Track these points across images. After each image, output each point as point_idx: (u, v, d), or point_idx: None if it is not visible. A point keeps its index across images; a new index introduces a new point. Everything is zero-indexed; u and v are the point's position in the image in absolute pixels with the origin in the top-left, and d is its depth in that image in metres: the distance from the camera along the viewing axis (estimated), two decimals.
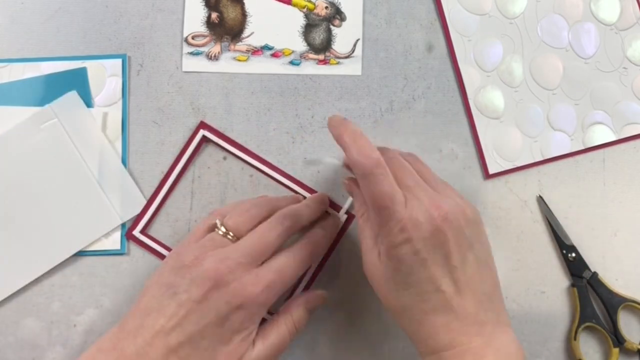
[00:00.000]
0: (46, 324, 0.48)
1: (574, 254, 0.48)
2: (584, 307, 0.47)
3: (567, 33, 0.51)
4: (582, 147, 0.50)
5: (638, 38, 0.51)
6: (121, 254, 0.48)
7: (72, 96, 0.49)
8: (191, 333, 0.38)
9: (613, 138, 0.50)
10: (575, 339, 0.47)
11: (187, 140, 0.49)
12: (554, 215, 0.49)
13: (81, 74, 0.50)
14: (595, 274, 0.48)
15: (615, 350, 0.47)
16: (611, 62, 0.51)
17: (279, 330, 0.42)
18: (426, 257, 0.37)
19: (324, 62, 0.50)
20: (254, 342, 0.41)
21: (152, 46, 0.50)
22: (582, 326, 0.47)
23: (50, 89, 0.49)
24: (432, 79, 0.51)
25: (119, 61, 0.50)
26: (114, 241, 0.48)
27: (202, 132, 0.49)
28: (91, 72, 0.50)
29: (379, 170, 0.37)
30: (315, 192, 0.49)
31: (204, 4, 0.51)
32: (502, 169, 0.50)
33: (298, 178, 0.49)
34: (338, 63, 0.50)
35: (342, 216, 0.48)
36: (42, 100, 0.49)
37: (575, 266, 0.48)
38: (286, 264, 0.41)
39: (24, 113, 0.48)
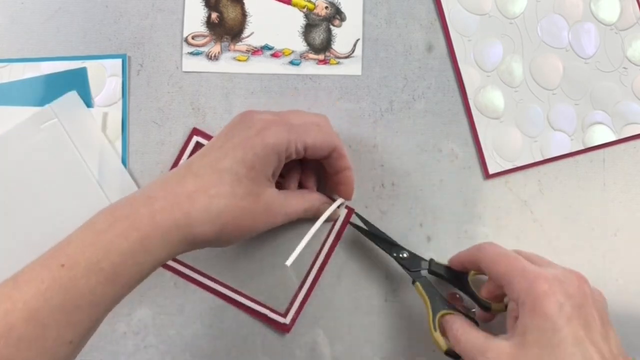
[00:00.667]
0: None
1: (405, 254, 0.46)
2: (432, 298, 0.44)
3: (567, 33, 0.51)
4: (582, 147, 0.50)
5: (638, 38, 0.51)
6: None
7: (72, 96, 0.49)
8: (213, 157, 0.40)
9: (613, 138, 0.50)
10: (435, 329, 0.43)
11: (181, 148, 0.49)
12: (372, 225, 0.47)
13: (81, 74, 0.50)
14: (432, 261, 0.46)
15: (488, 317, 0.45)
16: (611, 62, 0.51)
17: (305, 201, 0.45)
18: (571, 314, 0.35)
19: (324, 62, 0.50)
20: (291, 193, 0.44)
21: (152, 46, 0.50)
22: (438, 315, 0.43)
23: (50, 89, 0.49)
24: (432, 79, 0.51)
25: (119, 61, 0.50)
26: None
27: (195, 139, 0.49)
28: (91, 72, 0.50)
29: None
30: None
31: (204, 4, 0.51)
32: (502, 169, 0.50)
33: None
34: (338, 63, 0.50)
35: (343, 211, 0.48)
36: (42, 100, 0.49)
37: (411, 262, 0.46)
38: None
39: (24, 113, 0.48)
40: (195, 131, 0.49)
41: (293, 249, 0.44)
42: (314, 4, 0.51)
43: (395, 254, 0.47)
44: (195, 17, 0.50)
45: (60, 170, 0.48)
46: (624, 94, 0.51)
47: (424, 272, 0.46)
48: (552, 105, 0.50)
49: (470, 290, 0.45)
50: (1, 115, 0.48)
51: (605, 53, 0.51)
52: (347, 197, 0.47)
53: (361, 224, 0.47)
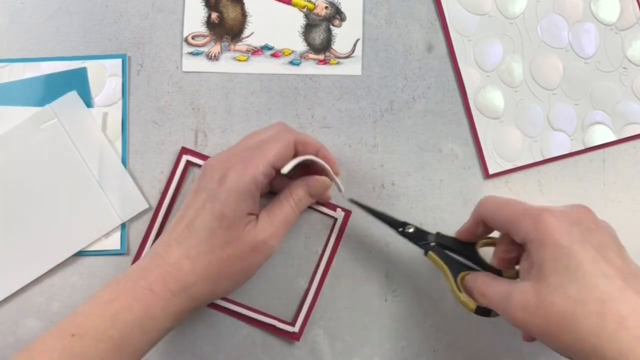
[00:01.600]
0: (46, 324, 0.48)
1: (411, 229, 0.46)
2: (450, 262, 0.44)
3: (567, 33, 0.51)
4: (582, 147, 0.50)
5: (638, 38, 0.51)
6: (121, 254, 0.48)
7: (72, 96, 0.49)
8: (188, 218, 0.42)
9: (613, 138, 0.50)
10: (460, 290, 0.43)
11: (172, 168, 0.49)
12: (371, 208, 0.47)
13: (81, 74, 0.50)
14: (438, 234, 0.46)
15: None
16: (611, 62, 0.51)
17: (281, 205, 0.44)
18: (581, 238, 0.36)
19: (324, 62, 0.50)
20: (257, 217, 0.43)
21: (152, 46, 0.50)
22: (459, 277, 0.43)
23: (50, 89, 0.49)
24: (432, 79, 0.51)
25: (119, 61, 0.50)
26: (114, 241, 0.48)
27: (185, 158, 0.49)
28: (91, 72, 0.50)
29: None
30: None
31: (204, 4, 0.51)
32: (502, 169, 0.50)
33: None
34: (338, 63, 0.50)
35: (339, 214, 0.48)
36: (42, 100, 0.49)
37: (417, 237, 0.46)
38: (265, 139, 0.43)
39: (24, 113, 0.48)
40: (184, 150, 0.49)
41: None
42: (314, 4, 0.51)
43: (400, 229, 0.46)
44: (195, 17, 0.50)
45: (60, 170, 0.48)
46: (624, 94, 0.51)
47: (433, 244, 0.46)
48: (552, 105, 0.50)
49: (480, 259, 0.44)
50: (1, 115, 0.48)
51: (605, 53, 0.51)
52: (335, 173, 0.46)
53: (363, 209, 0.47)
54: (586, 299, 0.35)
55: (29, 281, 0.48)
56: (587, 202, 0.49)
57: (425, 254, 0.45)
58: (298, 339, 0.48)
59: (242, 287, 0.45)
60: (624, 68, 0.51)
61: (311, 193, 0.46)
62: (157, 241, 0.43)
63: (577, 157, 0.50)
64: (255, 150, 0.42)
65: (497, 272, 0.43)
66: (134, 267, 0.41)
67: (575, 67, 0.51)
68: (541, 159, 0.50)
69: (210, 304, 0.48)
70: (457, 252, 0.45)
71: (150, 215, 0.49)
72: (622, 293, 0.35)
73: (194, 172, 0.49)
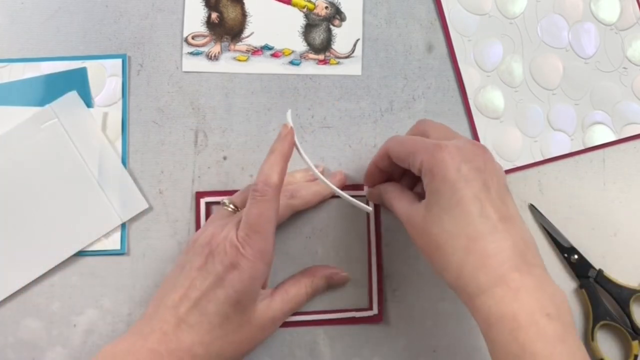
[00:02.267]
0: (46, 324, 0.48)
1: (576, 256, 0.48)
2: (596, 306, 0.47)
3: (567, 33, 0.51)
4: (582, 147, 0.50)
5: (638, 38, 0.51)
6: (121, 254, 0.48)
7: (72, 96, 0.49)
8: (196, 299, 0.40)
9: (613, 138, 0.50)
10: (593, 339, 0.47)
11: (196, 216, 0.48)
12: (548, 221, 0.49)
13: (81, 74, 0.50)
14: (600, 272, 0.48)
15: (635, 344, 0.47)
16: (611, 62, 0.51)
17: (299, 288, 0.45)
18: (468, 176, 0.37)
19: (324, 62, 0.50)
20: (273, 295, 0.43)
21: (152, 46, 0.50)
22: (598, 325, 0.47)
23: (50, 89, 0.49)
24: (432, 79, 0.51)
25: (119, 61, 0.50)
26: (114, 241, 0.48)
27: (204, 201, 0.48)
28: (91, 72, 0.50)
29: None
30: None
31: (204, 4, 0.51)
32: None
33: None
34: (338, 63, 0.50)
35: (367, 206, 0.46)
36: (42, 100, 0.49)
37: (579, 267, 0.48)
38: (265, 218, 0.41)
39: (24, 113, 0.48)
40: (200, 194, 0.48)
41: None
42: (314, 4, 0.51)
43: (565, 255, 0.49)
44: (195, 17, 0.50)
45: (60, 170, 0.48)
46: (624, 94, 0.51)
47: (591, 281, 0.48)
48: (552, 105, 0.50)
49: (629, 312, 0.47)
50: (1, 115, 0.48)
51: (605, 53, 0.51)
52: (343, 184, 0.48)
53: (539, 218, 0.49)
54: (458, 233, 0.37)
55: (29, 281, 0.48)
56: (587, 202, 0.50)
57: (580, 287, 0.48)
58: (381, 320, 0.48)
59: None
60: (624, 68, 0.51)
61: (330, 285, 0.47)
62: (157, 317, 0.40)
63: (577, 157, 0.50)
64: (261, 229, 0.40)
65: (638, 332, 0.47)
66: (138, 344, 0.39)
67: (575, 67, 0.51)
68: (541, 159, 0.50)
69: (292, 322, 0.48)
70: (613, 296, 0.48)
71: (150, 215, 0.49)
72: (493, 233, 0.36)
73: (208, 149, 0.49)
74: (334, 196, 0.49)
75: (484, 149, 0.40)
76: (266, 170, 0.40)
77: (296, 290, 0.45)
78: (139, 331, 0.40)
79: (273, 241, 0.41)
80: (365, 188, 0.48)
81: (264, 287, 0.43)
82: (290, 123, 0.41)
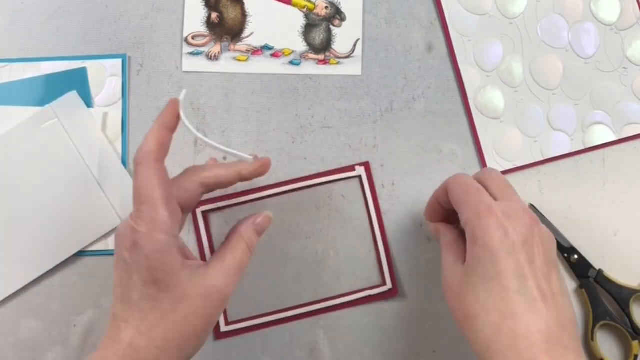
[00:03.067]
0: (46, 324, 0.48)
1: (575, 256, 0.48)
2: (596, 306, 0.47)
3: (567, 33, 0.51)
4: (582, 147, 0.50)
5: (638, 38, 0.51)
6: None
7: (72, 96, 0.49)
8: (121, 293, 0.38)
9: (613, 138, 0.50)
10: (592, 339, 0.47)
11: (195, 230, 0.48)
12: (548, 221, 0.49)
13: (81, 74, 0.50)
14: (600, 272, 0.48)
15: (635, 343, 0.47)
16: (611, 62, 0.51)
17: (234, 251, 0.41)
18: (513, 248, 0.36)
19: (324, 62, 0.50)
20: (208, 265, 0.39)
21: (152, 46, 0.50)
22: (598, 325, 0.47)
23: (50, 89, 0.49)
24: (432, 79, 0.51)
25: (119, 61, 0.50)
26: (113, 241, 0.48)
27: (199, 211, 0.48)
28: (91, 72, 0.50)
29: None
30: None
31: (204, 4, 0.51)
32: (502, 169, 0.50)
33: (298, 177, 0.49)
34: (338, 63, 0.50)
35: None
36: (42, 100, 0.49)
37: (579, 267, 0.48)
38: (148, 186, 0.38)
39: (24, 113, 0.48)
40: (202, 203, 0.48)
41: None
42: (314, 4, 0.51)
43: (565, 255, 0.49)
44: (195, 17, 0.50)
45: (60, 170, 0.48)
46: (624, 94, 0.51)
47: (591, 281, 0.48)
48: (552, 105, 0.50)
49: (629, 312, 0.47)
50: (1, 115, 0.48)
51: (605, 53, 0.51)
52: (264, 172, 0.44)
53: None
54: (491, 308, 0.35)
55: (28, 281, 0.48)
56: (587, 202, 0.50)
57: (580, 287, 0.48)
58: (397, 294, 0.48)
59: (323, 283, 0.47)
60: (624, 68, 0.51)
61: (259, 230, 0.43)
62: (108, 327, 0.39)
63: (577, 157, 0.50)
64: (146, 199, 0.37)
65: (638, 332, 0.47)
66: (97, 354, 0.38)
67: (575, 67, 0.51)
68: (541, 159, 0.50)
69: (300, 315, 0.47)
70: (613, 296, 0.48)
71: None
72: (527, 312, 0.35)
73: (207, 150, 0.49)
74: (326, 182, 0.49)
75: (535, 220, 0.38)
76: (144, 140, 0.39)
77: (232, 253, 0.41)
78: (100, 346, 0.39)
79: (166, 207, 0.38)
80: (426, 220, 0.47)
81: (189, 257, 0.40)
82: (180, 98, 0.40)
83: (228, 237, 0.42)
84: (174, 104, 0.40)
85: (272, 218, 0.44)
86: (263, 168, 0.42)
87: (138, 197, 0.37)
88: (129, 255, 0.37)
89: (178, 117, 0.40)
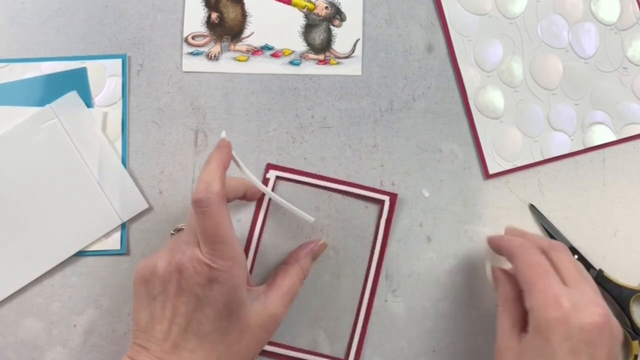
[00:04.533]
0: (46, 324, 0.48)
1: (575, 256, 0.48)
2: None
3: (567, 33, 0.51)
4: (582, 147, 0.50)
5: (638, 38, 0.51)
6: (121, 254, 0.48)
7: (72, 96, 0.49)
8: (186, 324, 0.39)
9: (613, 138, 0.50)
10: None
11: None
12: (548, 221, 0.49)
13: (81, 74, 0.50)
14: (600, 272, 0.48)
15: (635, 343, 0.47)
16: (611, 62, 0.51)
17: (291, 278, 0.44)
18: (575, 348, 0.35)
19: (324, 62, 0.50)
20: (267, 293, 0.42)
21: (152, 46, 0.50)
22: None
23: (50, 89, 0.49)
24: (432, 79, 0.51)
25: (119, 61, 0.50)
26: (114, 241, 0.48)
27: (274, 174, 0.49)
28: (91, 72, 0.50)
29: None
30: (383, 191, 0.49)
31: (204, 4, 0.51)
32: (502, 169, 0.50)
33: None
34: (338, 63, 0.50)
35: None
36: (42, 100, 0.49)
37: None
38: (223, 226, 0.39)
39: (24, 113, 0.48)
40: (270, 166, 0.49)
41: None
42: (314, 4, 0.51)
43: None
44: (195, 17, 0.50)
45: (60, 170, 0.48)
46: (624, 94, 0.51)
47: None
48: (552, 105, 0.50)
49: (630, 312, 0.47)
50: (1, 115, 0.49)
51: (605, 53, 0.51)
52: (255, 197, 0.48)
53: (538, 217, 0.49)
54: None
55: (29, 281, 0.48)
56: (587, 202, 0.50)
57: None
58: None
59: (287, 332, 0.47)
60: (624, 68, 0.51)
61: (314, 257, 0.47)
62: (152, 348, 0.39)
63: (577, 157, 0.50)
64: (223, 238, 0.38)
65: (637, 331, 0.47)
66: None
67: (575, 67, 0.51)
68: (541, 159, 0.50)
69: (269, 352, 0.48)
70: (613, 296, 0.47)
71: (150, 215, 0.49)
72: None
73: (208, 149, 0.50)
74: (333, 190, 0.49)
75: (607, 316, 0.36)
76: (206, 178, 0.38)
77: (289, 282, 0.44)
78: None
79: (238, 243, 0.39)
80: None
81: (249, 285, 0.42)
82: (227, 138, 0.41)
83: (285, 264, 0.46)
84: (229, 147, 0.41)
85: (327, 245, 0.48)
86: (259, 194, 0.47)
87: (214, 237, 0.38)
88: (203, 291, 0.38)
89: (230, 158, 0.41)
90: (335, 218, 0.49)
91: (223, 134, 0.42)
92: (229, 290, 0.38)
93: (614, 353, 0.36)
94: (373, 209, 0.49)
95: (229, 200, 0.44)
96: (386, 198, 0.48)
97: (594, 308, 0.36)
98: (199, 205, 0.37)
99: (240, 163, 0.42)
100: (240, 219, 0.49)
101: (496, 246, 0.45)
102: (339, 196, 0.49)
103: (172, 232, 0.48)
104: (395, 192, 0.49)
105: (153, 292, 0.39)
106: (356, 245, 0.49)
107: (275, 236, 0.49)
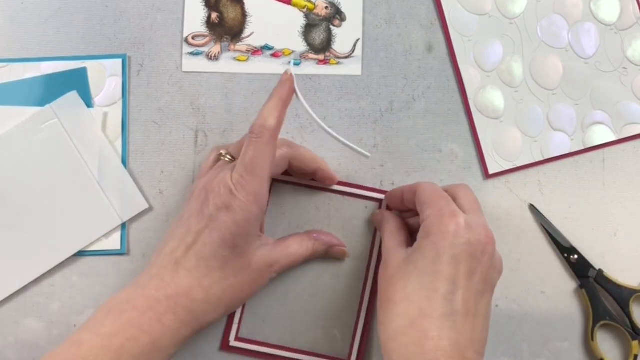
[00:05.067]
0: (46, 324, 0.48)
1: (575, 256, 0.48)
2: (596, 306, 0.47)
3: (567, 33, 0.51)
4: (582, 147, 0.50)
5: (638, 38, 0.51)
6: (121, 254, 0.48)
7: (72, 96, 0.49)
8: (192, 242, 0.40)
9: (613, 138, 0.50)
10: (592, 339, 0.47)
11: None
12: (548, 221, 0.49)
13: (81, 74, 0.50)
14: (600, 271, 0.48)
15: (635, 343, 0.47)
16: (611, 62, 0.51)
17: (300, 247, 0.45)
18: (459, 255, 0.37)
19: (324, 62, 0.50)
20: (275, 245, 0.43)
21: (152, 46, 0.50)
22: (598, 325, 0.47)
23: (50, 89, 0.49)
24: (432, 79, 0.51)
25: (119, 61, 0.50)
26: (114, 241, 0.48)
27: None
28: (91, 72, 0.50)
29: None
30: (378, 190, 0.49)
31: (204, 4, 0.51)
32: (502, 169, 0.50)
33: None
34: (338, 63, 0.50)
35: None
36: (42, 100, 0.49)
37: (579, 267, 0.48)
38: (260, 161, 0.40)
39: (24, 113, 0.48)
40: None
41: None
42: (314, 4, 0.51)
43: (565, 255, 0.49)
44: (195, 17, 0.50)
45: (60, 170, 0.48)
46: (624, 94, 0.51)
47: (591, 281, 0.48)
48: (552, 105, 0.50)
49: (630, 312, 0.47)
50: (1, 115, 0.49)
51: (605, 53, 0.51)
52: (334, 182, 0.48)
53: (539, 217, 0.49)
54: (414, 301, 0.37)
55: (29, 281, 0.48)
56: (587, 202, 0.50)
57: (580, 287, 0.48)
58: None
59: (287, 332, 0.48)
60: (624, 68, 0.51)
61: (328, 252, 0.47)
62: (156, 264, 0.41)
63: (577, 157, 0.50)
64: (255, 171, 0.39)
65: (638, 332, 0.47)
66: (136, 293, 0.39)
67: (575, 67, 0.51)
68: (541, 159, 0.50)
69: (256, 353, 0.48)
70: (612, 295, 0.48)
71: (150, 215, 0.49)
72: (445, 319, 0.36)
73: (208, 149, 0.49)
74: (332, 190, 0.49)
75: (492, 241, 0.39)
76: (264, 114, 0.40)
77: (297, 248, 0.45)
78: (138, 281, 0.40)
79: (267, 185, 0.41)
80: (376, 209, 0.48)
81: (262, 232, 0.43)
82: (291, 70, 0.41)
83: (303, 233, 0.46)
84: (291, 80, 0.41)
85: (346, 255, 0.48)
86: (331, 181, 0.47)
87: (248, 167, 0.39)
88: (217, 213, 0.39)
89: (293, 93, 0.41)
90: (335, 218, 0.49)
91: (289, 68, 0.42)
92: (240, 222, 0.39)
93: (491, 278, 0.39)
94: (373, 208, 0.49)
95: (298, 172, 0.46)
96: (384, 197, 0.49)
97: (484, 230, 0.39)
98: (251, 134, 0.40)
99: (301, 97, 0.42)
100: None
101: (398, 193, 0.46)
102: (339, 196, 0.49)
103: (222, 153, 0.45)
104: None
105: (184, 211, 0.42)
106: (356, 245, 0.49)
107: (275, 236, 0.49)
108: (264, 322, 0.48)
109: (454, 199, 0.41)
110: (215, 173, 0.42)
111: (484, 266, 0.38)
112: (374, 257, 0.48)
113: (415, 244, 0.39)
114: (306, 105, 0.42)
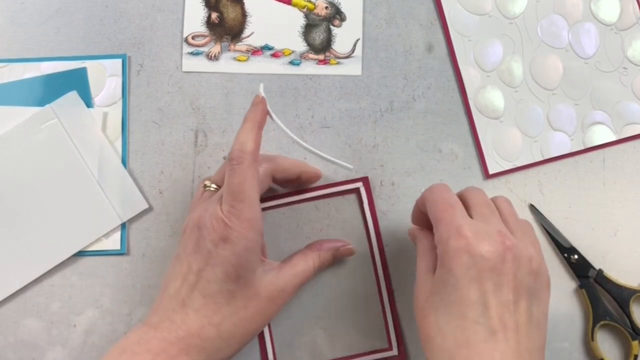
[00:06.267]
0: (46, 324, 0.48)
1: (575, 256, 0.48)
2: (596, 306, 0.47)
3: (567, 33, 0.51)
4: (582, 147, 0.50)
5: (638, 38, 0.51)
6: (121, 254, 0.48)
7: (72, 96, 0.49)
8: (195, 282, 0.39)
9: (613, 138, 0.50)
10: (592, 339, 0.47)
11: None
12: (548, 221, 0.49)
13: (81, 74, 0.50)
14: (600, 271, 0.48)
15: (635, 343, 0.47)
16: (611, 62, 0.51)
17: (307, 262, 0.44)
18: (478, 275, 0.35)
19: (324, 62, 0.50)
20: (280, 268, 0.42)
21: (152, 46, 0.50)
22: (598, 325, 0.47)
23: (50, 89, 0.49)
24: (432, 79, 0.51)
25: (119, 61, 0.50)
26: (114, 241, 0.48)
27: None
28: (91, 72, 0.50)
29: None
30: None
31: (204, 4, 0.51)
32: (502, 169, 0.50)
33: None
34: (338, 63, 0.50)
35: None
36: (42, 100, 0.49)
37: (578, 267, 0.48)
38: (247, 185, 0.39)
39: (24, 113, 0.49)
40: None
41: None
42: (314, 4, 0.51)
43: (565, 255, 0.49)
44: (195, 17, 0.50)
45: (60, 170, 0.48)
46: (624, 94, 0.51)
47: (591, 281, 0.48)
48: (552, 105, 0.50)
49: (629, 312, 0.47)
50: (1, 115, 0.49)
51: (605, 53, 0.51)
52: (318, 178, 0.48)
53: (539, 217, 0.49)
54: (448, 333, 0.35)
55: (29, 281, 0.48)
56: (587, 202, 0.50)
57: (580, 287, 0.48)
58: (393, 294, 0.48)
59: (327, 340, 0.48)
60: (624, 68, 0.51)
61: (337, 257, 0.47)
62: (162, 306, 0.40)
63: (577, 157, 0.50)
64: (244, 197, 0.39)
65: (637, 332, 0.47)
66: (148, 335, 0.39)
67: (575, 67, 0.51)
68: (541, 159, 0.50)
69: None
70: (612, 295, 0.48)
71: (150, 215, 0.49)
72: (482, 343, 0.35)
73: (208, 149, 0.49)
74: (326, 195, 0.49)
75: (509, 244, 0.36)
76: (241, 139, 0.39)
77: (304, 264, 0.44)
78: (148, 323, 0.40)
79: (259, 208, 0.40)
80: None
81: (263, 256, 0.42)
82: (262, 93, 0.41)
83: (306, 248, 0.46)
84: (263, 103, 0.41)
85: (354, 253, 0.48)
86: (316, 177, 0.47)
87: (236, 195, 0.39)
88: (215, 248, 0.39)
89: (266, 115, 0.41)
90: (335, 218, 0.49)
91: (260, 89, 0.41)
92: (240, 252, 0.39)
93: (521, 282, 0.36)
94: None
95: (283, 182, 0.46)
96: (359, 184, 0.49)
97: (495, 237, 0.36)
98: (231, 161, 0.39)
99: (275, 118, 0.42)
100: None
101: (416, 209, 0.44)
102: (339, 196, 0.49)
103: (206, 184, 0.45)
104: (392, 189, 0.49)
105: (179, 250, 0.41)
106: (356, 245, 0.49)
107: (275, 236, 0.49)
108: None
109: (464, 203, 0.39)
110: (203, 208, 0.41)
111: (508, 275, 0.36)
112: (374, 242, 0.49)
113: (436, 272, 0.37)
114: (281, 125, 0.42)
